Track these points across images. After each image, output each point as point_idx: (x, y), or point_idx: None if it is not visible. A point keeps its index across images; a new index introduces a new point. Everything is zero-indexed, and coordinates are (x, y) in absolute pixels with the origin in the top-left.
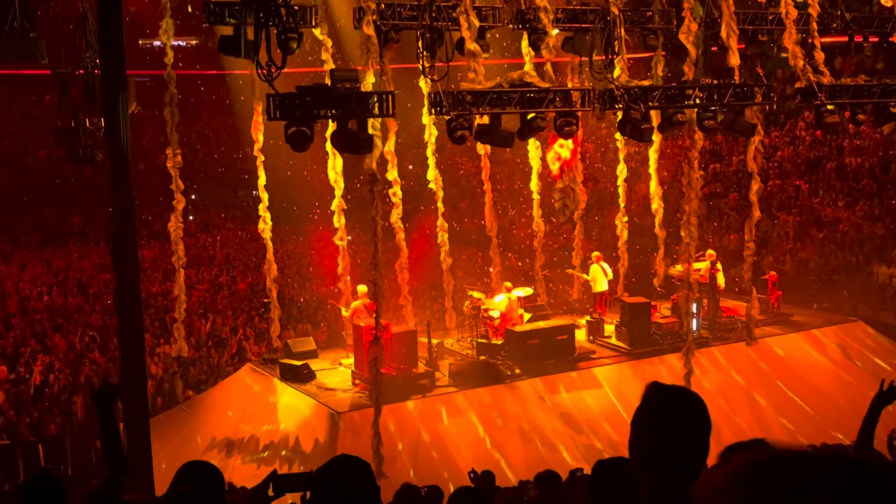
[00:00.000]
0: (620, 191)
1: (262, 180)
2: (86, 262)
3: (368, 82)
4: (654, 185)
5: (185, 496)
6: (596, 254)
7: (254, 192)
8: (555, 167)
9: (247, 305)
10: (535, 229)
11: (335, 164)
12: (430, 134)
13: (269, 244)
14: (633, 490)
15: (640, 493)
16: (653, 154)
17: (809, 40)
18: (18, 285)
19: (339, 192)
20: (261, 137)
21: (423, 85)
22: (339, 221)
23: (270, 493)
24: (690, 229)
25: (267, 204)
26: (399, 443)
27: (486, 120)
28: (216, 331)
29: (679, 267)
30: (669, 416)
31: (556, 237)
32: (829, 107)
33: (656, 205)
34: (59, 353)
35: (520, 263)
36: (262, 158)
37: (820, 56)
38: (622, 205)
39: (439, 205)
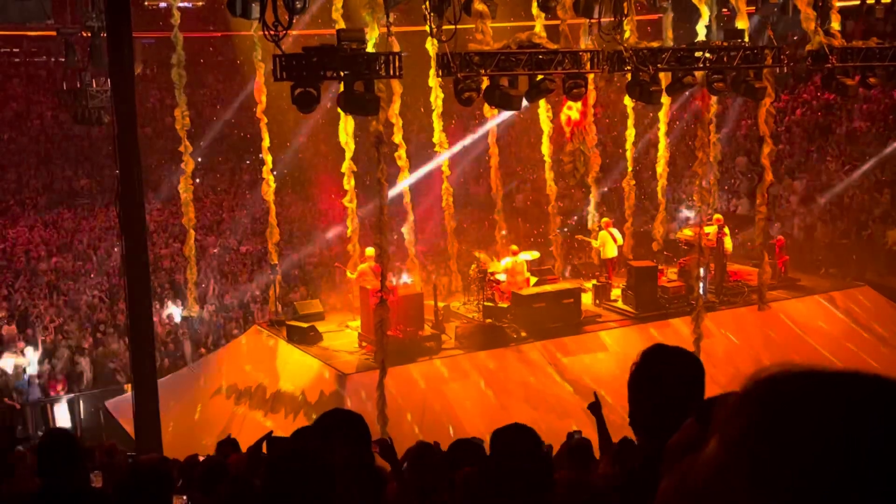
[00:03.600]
0: (629, 154)
1: (265, 142)
2: (93, 224)
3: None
4: (661, 149)
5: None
6: (605, 220)
7: (261, 155)
8: (567, 130)
9: (254, 268)
10: (547, 193)
11: (346, 127)
12: (437, 97)
13: (272, 207)
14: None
15: (636, 453)
16: (662, 117)
17: (820, 4)
18: (26, 247)
19: (349, 154)
20: (264, 99)
21: (430, 47)
22: (348, 184)
23: (264, 450)
24: (703, 193)
25: (270, 166)
26: (404, 404)
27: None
28: (224, 292)
29: (688, 231)
30: (667, 377)
31: (566, 200)
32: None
33: (661, 168)
34: (67, 314)
35: (525, 229)
36: (266, 121)
37: (836, 18)
38: (630, 168)
39: (444, 168)
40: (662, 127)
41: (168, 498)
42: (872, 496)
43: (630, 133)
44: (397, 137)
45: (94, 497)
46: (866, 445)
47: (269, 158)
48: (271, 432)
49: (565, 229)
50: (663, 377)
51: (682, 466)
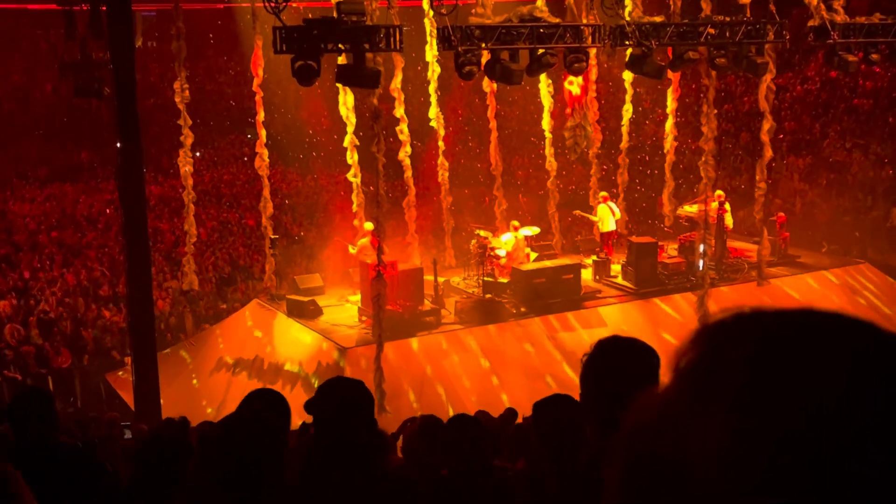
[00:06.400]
0: (624, 130)
1: (260, 116)
2: (94, 198)
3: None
4: (669, 125)
5: (252, 416)
6: (603, 194)
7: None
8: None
9: (254, 242)
10: (547, 168)
11: (346, 100)
12: (433, 72)
13: (266, 181)
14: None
15: (588, 442)
16: (670, 94)
17: None
18: (27, 220)
19: (350, 127)
20: (261, 72)
21: (428, 22)
22: (351, 158)
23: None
24: (708, 169)
25: (265, 140)
26: (404, 378)
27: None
28: (224, 266)
29: (690, 207)
30: (623, 368)
31: (567, 177)
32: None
33: (669, 145)
34: (67, 287)
35: (522, 204)
36: (262, 94)
37: None
38: (624, 145)
39: (440, 143)
40: (670, 103)
41: (186, 464)
42: (825, 415)
43: (627, 108)
44: (398, 111)
45: (67, 451)
46: (815, 375)
47: (263, 133)
48: (304, 423)
49: (576, 211)
50: (619, 368)
51: (638, 403)
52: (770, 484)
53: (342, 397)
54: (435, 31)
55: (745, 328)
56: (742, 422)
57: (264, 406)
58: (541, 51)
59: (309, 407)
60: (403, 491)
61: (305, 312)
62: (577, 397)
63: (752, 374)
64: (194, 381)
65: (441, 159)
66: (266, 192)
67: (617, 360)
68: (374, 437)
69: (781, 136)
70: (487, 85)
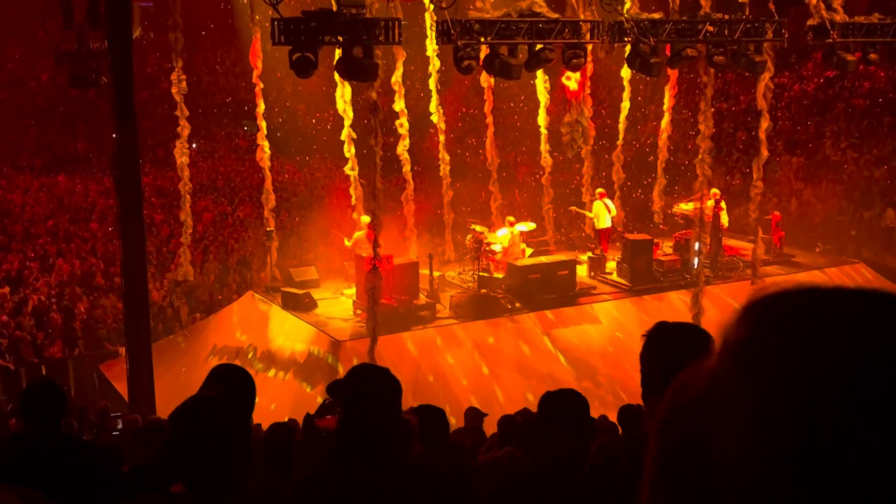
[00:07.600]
0: (621, 126)
1: (260, 108)
2: (89, 188)
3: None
4: (665, 122)
5: (209, 402)
6: (599, 190)
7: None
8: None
9: (250, 234)
10: (542, 164)
11: (343, 94)
12: (434, 66)
13: (268, 173)
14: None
15: (645, 420)
16: (667, 91)
17: None
18: (22, 209)
19: (347, 121)
20: (260, 64)
21: (428, 17)
22: (349, 151)
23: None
24: (704, 167)
25: (265, 133)
26: (397, 372)
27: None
28: (219, 258)
29: (686, 205)
30: (680, 346)
31: (562, 173)
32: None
33: (662, 141)
34: (62, 277)
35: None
36: (261, 86)
37: None
38: (620, 141)
39: (440, 137)
40: (667, 101)
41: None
42: (869, 397)
43: (625, 105)
44: (398, 105)
45: (75, 442)
46: (868, 353)
47: (263, 125)
48: (308, 414)
49: (572, 207)
50: (677, 345)
51: (681, 379)
52: (784, 468)
53: (368, 383)
54: (434, 25)
55: (788, 305)
56: (769, 402)
57: (225, 386)
58: (539, 46)
59: (333, 391)
60: (426, 478)
61: (300, 305)
62: (572, 392)
63: (784, 353)
64: (190, 370)
65: (442, 153)
66: (268, 185)
67: (674, 339)
68: (398, 424)
69: (778, 135)
70: (485, 80)
